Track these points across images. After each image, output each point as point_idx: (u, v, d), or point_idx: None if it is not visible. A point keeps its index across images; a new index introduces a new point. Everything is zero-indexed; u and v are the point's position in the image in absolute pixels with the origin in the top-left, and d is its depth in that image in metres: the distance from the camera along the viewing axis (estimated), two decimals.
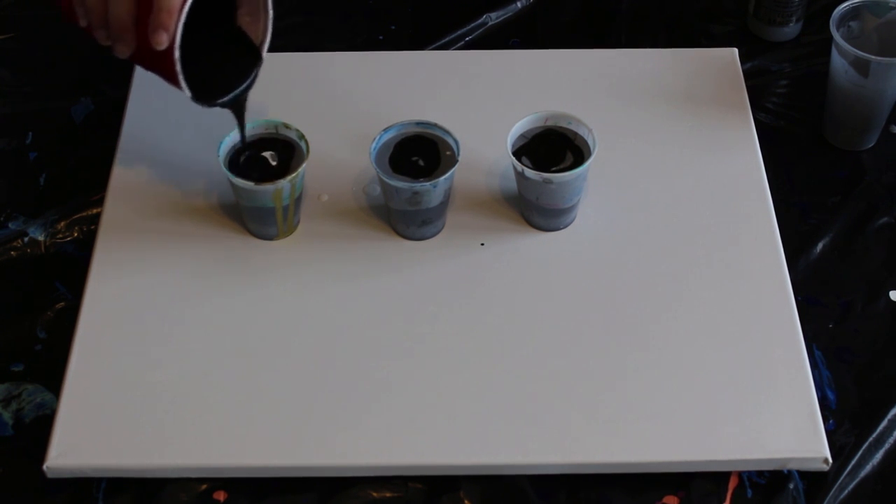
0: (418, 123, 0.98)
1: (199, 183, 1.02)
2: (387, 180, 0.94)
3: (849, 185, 1.07)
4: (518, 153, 0.97)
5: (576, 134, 0.98)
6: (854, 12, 1.05)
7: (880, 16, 1.05)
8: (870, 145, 1.09)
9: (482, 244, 0.99)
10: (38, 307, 0.97)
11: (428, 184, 0.94)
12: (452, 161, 0.96)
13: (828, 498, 0.87)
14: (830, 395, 0.92)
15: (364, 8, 1.23)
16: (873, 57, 1.00)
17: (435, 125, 0.98)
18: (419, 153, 0.97)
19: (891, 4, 1.05)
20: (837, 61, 1.03)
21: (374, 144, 0.97)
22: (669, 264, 0.97)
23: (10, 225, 1.03)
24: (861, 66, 1.02)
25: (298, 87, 1.10)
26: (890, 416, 0.91)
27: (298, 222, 1.00)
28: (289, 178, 0.95)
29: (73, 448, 0.86)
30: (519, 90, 1.10)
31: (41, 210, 1.04)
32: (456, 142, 0.97)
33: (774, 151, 1.08)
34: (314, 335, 0.93)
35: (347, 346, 0.92)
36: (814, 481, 0.88)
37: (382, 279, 0.96)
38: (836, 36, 1.02)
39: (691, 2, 1.23)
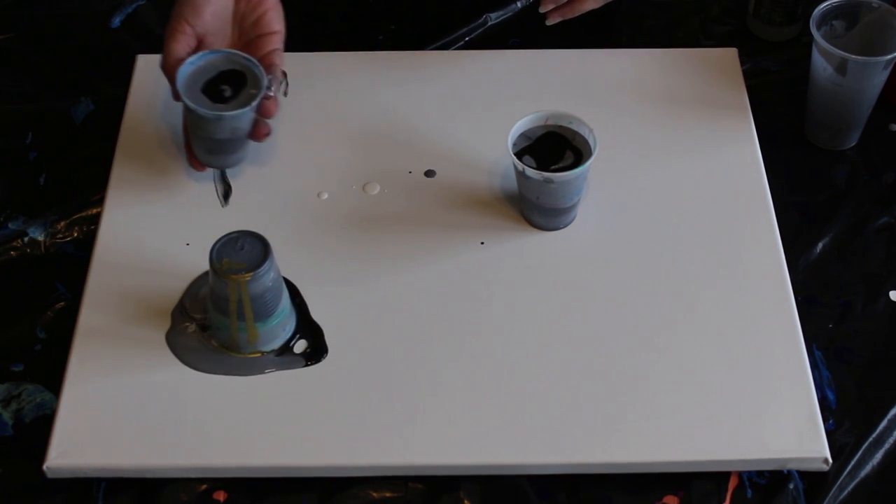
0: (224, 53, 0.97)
1: (198, 182, 1.02)
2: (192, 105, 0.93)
3: (848, 185, 1.07)
4: (519, 153, 0.97)
5: (575, 134, 0.98)
6: (836, 11, 1.05)
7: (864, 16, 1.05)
8: (850, 145, 1.09)
9: (482, 243, 0.99)
10: (38, 307, 0.97)
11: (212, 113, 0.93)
12: (251, 98, 0.95)
13: (828, 498, 0.87)
14: (830, 395, 0.92)
15: (364, 8, 1.23)
16: (850, 56, 1.00)
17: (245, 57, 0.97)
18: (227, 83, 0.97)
19: (874, 5, 1.05)
20: (817, 60, 1.03)
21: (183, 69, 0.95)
22: (669, 264, 0.97)
23: (10, 225, 1.03)
24: (839, 66, 1.02)
25: (298, 87, 1.09)
26: (890, 416, 0.91)
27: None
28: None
29: (73, 448, 0.86)
30: (519, 90, 1.10)
31: (41, 210, 1.04)
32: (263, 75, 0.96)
33: (774, 152, 1.08)
34: None
35: (346, 346, 0.92)
36: (814, 481, 0.88)
37: (382, 278, 0.96)
38: (816, 34, 1.02)
39: (691, 2, 1.23)
